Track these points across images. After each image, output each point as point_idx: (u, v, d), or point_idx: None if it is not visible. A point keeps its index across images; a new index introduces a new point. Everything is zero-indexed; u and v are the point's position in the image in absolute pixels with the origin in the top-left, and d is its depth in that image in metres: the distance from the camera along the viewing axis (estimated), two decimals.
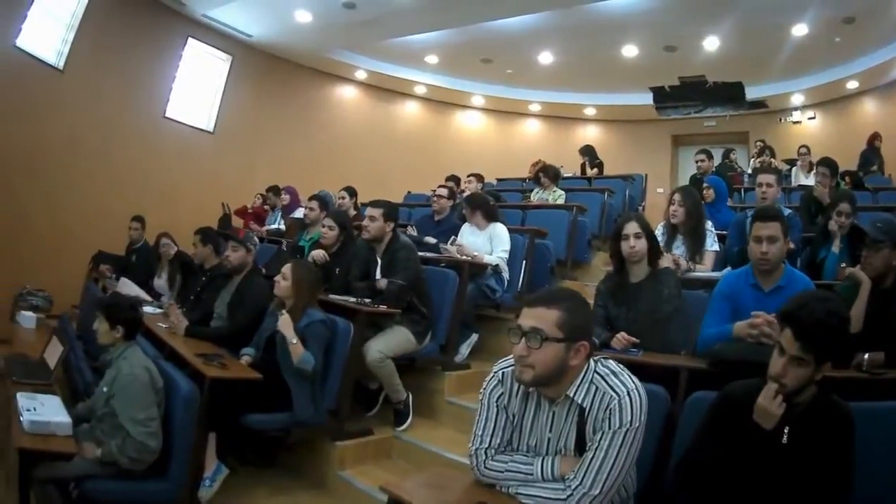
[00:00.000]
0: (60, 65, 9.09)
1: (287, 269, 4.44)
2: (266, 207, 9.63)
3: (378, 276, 5.14)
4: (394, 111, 14.40)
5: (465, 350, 5.78)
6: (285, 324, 4.19)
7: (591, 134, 14.72)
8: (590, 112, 14.75)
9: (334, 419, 4.52)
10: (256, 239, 5.97)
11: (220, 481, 3.99)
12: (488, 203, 6.46)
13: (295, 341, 4.13)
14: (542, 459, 2.33)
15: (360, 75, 13.51)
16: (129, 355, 3.71)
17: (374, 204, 5.20)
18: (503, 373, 2.47)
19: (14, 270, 8.07)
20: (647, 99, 13.45)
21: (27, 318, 6.52)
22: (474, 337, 5.90)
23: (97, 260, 7.90)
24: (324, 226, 5.68)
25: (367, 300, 4.81)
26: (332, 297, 4.89)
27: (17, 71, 8.38)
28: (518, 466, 2.35)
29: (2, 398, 4.88)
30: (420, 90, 14.24)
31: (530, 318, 2.27)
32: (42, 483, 3.36)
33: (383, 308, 4.78)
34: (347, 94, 13.79)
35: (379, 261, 5.20)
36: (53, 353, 4.57)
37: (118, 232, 8.68)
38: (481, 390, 2.53)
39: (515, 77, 13.63)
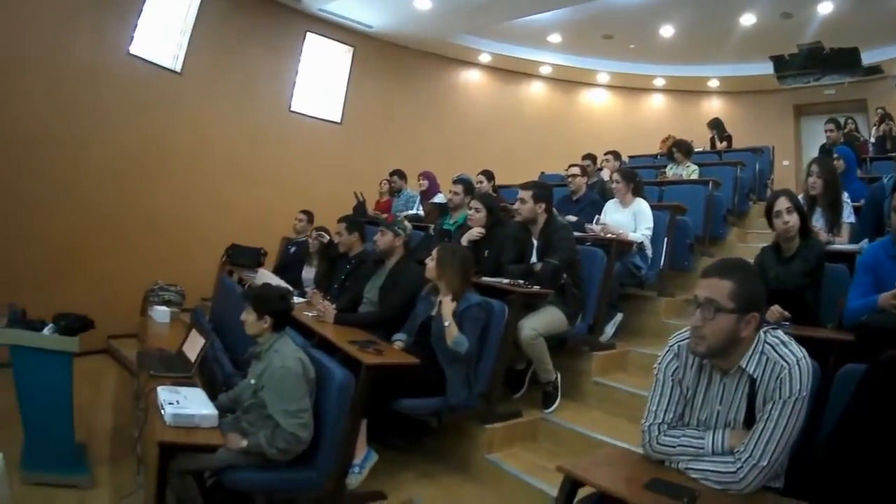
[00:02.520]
0: (178, 68, 9.40)
1: (435, 251, 4.48)
2: (387, 198, 9.50)
3: (534, 257, 5.08)
4: (520, 92, 14.28)
5: (609, 330, 5.74)
6: (446, 305, 4.24)
7: (715, 107, 14.24)
8: (713, 84, 14.17)
9: (486, 402, 4.51)
10: (408, 224, 6.01)
11: (370, 467, 4.02)
12: (637, 177, 6.45)
13: (447, 323, 4.17)
14: (713, 433, 2.36)
15: (485, 58, 13.44)
16: (279, 347, 3.69)
17: (524, 186, 5.15)
18: (679, 346, 2.52)
19: (144, 267, 8.28)
20: (767, 69, 12.79)
21: (161, 312, 6.49)
22: (619, 316, 5.86)
23: (231, 253, 7.93)
24: (470, 208, 5.59)
25: (521, 281, 4.72)
26: (485, 279, 4.86)
27: (134, 77, 8.72)
28: (690, 441, 2.38)
29: (136, 391, 4.90)
30: (545, 70, 14.06)
31: (705, 288, 2.33)
32: (181, 474, 3.40)
33: (536, 289, 4.70)
34: (473, 77, 13.76)
35: (535, 242, 5.14)
36: (193, 346, 4.61)
37: (248, 225, 9.17)
38: (656, 364, 2.58)
39: (638, 52, 13.25)
